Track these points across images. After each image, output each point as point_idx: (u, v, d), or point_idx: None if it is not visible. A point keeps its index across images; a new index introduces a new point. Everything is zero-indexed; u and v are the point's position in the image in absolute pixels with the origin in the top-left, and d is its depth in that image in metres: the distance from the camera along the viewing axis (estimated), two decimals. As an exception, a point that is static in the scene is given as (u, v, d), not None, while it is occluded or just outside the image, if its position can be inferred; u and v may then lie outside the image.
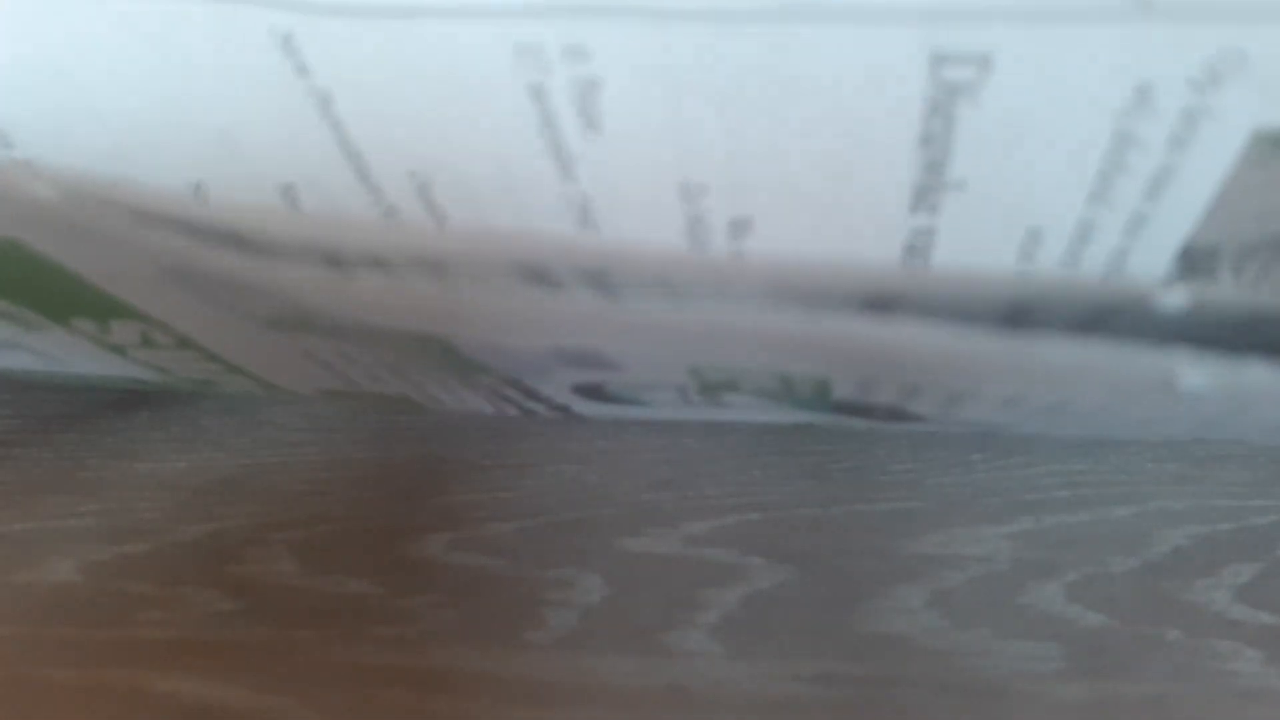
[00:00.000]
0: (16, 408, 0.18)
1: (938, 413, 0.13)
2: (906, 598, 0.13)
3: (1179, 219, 0.10)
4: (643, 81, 0.09)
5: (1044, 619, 0.12)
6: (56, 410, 0.18)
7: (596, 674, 0.11)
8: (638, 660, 0.12)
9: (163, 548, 0.14)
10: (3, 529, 0.14)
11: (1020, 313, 0.09)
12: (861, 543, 0.14)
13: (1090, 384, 0.10)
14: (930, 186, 0.09)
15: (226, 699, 0.11)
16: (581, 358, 0.12)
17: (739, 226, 0.10)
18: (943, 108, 0.09)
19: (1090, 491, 0.15)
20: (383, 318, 0.11)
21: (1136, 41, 0.08)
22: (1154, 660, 0.11)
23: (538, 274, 0.10)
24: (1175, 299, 0.08)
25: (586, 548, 0.14)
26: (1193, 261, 0.10)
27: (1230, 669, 0.11)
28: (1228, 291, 0.08)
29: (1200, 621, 0.12)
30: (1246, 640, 0.12)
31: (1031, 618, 0.12)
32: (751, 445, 0.17)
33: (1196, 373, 0.09)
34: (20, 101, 0.10)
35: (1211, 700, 0.11)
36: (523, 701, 0.11)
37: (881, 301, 0.09)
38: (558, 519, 0.14)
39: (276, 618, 0.12)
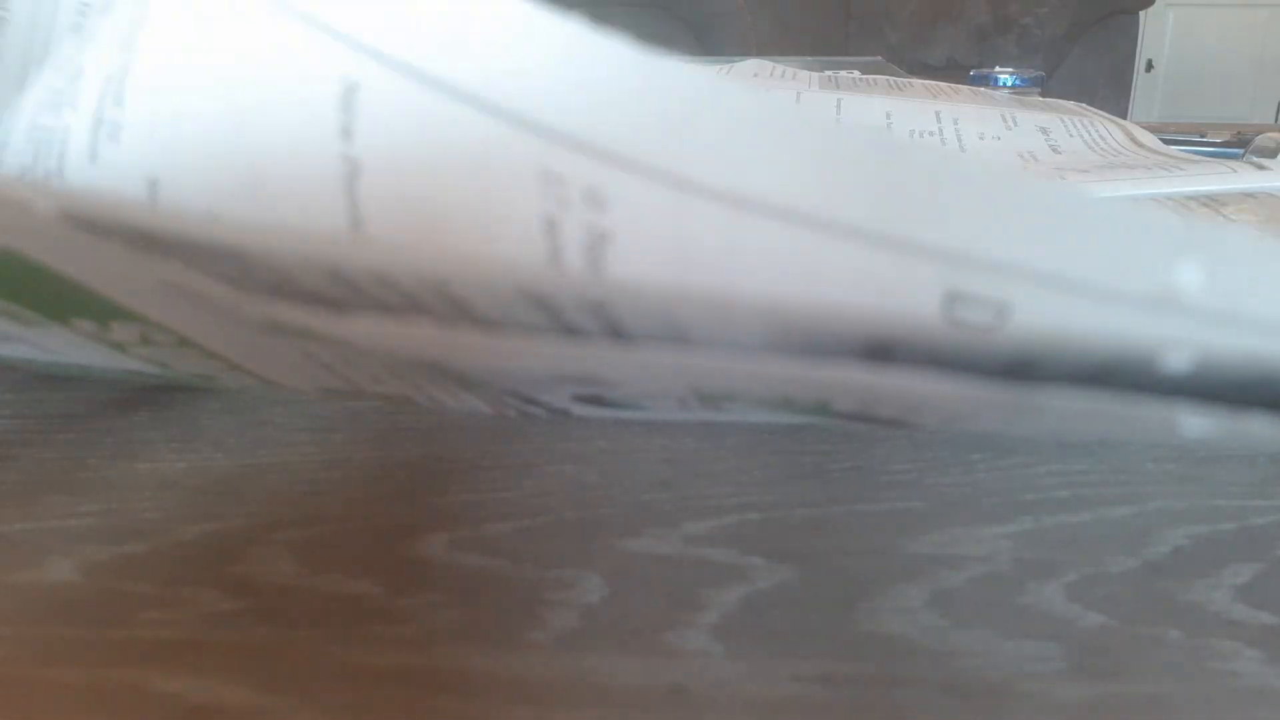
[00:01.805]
0: (16, 408, 0.18)
1: (939, 425, 0.13)
2: (906, 598, 0.13)
3: None
4: (653, 245, 0.09)
5: (1044, 619, 0.12)
6: (56, 410, 0.18)
7: (596, 674, 0.11)
8: (638, 660, 0.12)
9: (163, 548, 0.14)
10: (3, 529, 0.14)
11: (1023, 366, 0.09)
12: (861, 543, 0.14)
13: (1091, 422, 0.10)
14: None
15: (226, 699, 0.11)
16: (583, 380, 0.12)
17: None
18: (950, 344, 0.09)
19: (1090, 491, 0.15)
20: (382, 346, 0.11)
21: (1157, 329, 0.08)
22: (1154, 660, 0.11)
23: (542, 306, 0.10)
24: (1179, 361, 0.08)
25: (586, 548, 0.14)
26: None
27: (1230, 669, 0.11)
28: (1231, 359, 0.08)
29: (1200, 621, 0.12)
30: (1246, 640, 0.12)
31: (1031, 618, 0.12)
32: (751, 445, 0.17)
33: (1199, 422, 0.09)
34: (170, 152, 0.10)
35: (1211, 700, 0.11)
36: (523, 701, 0.11)
37: (881, 350, 0.09)
38: (558, 519, 0.14)
39: (276, 618, 0.12)
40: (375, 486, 0.15)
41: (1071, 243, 0.08)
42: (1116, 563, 0.13)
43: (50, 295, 0.12)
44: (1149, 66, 2.41)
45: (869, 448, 0.16)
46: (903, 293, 0.08)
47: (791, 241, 0.08)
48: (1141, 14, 1.80)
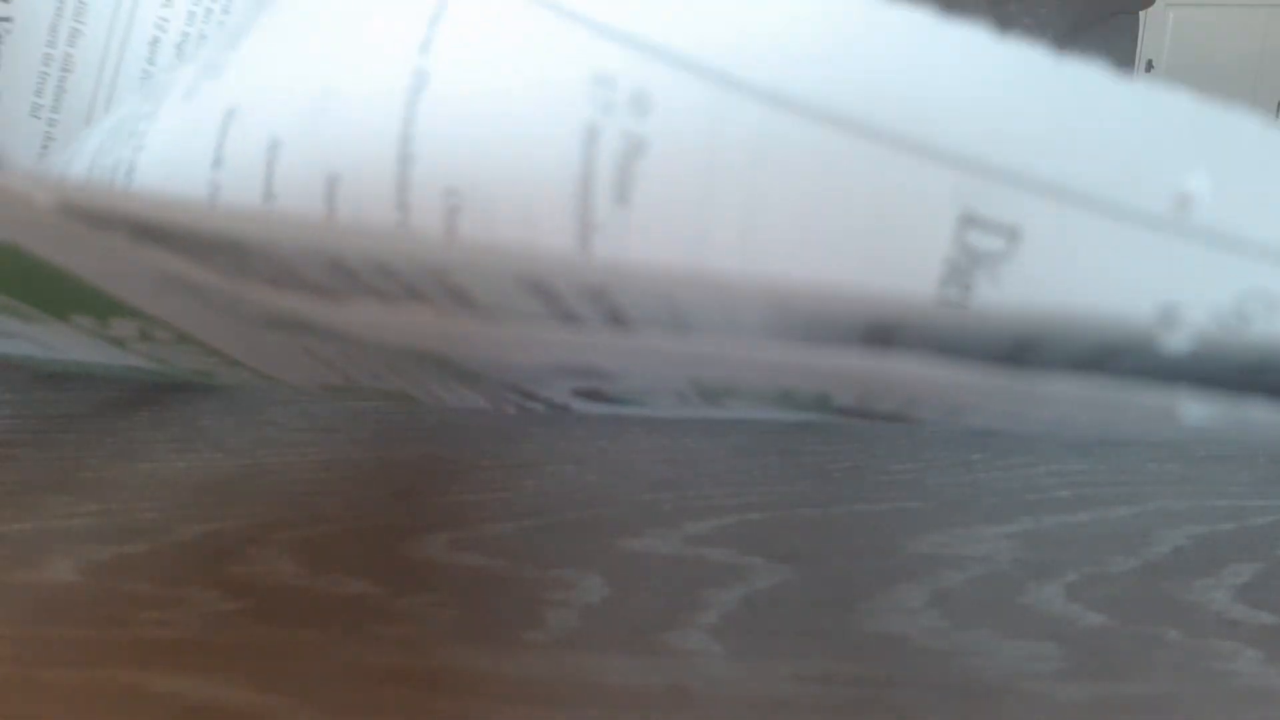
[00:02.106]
0: (16, 408, 0.18)
1: (939, 419, 0.13)
2: (906, 598, 0.13)
3: None
4: (685, 150, 0.09)
5: (1044, 619, 0.12)
6: (56, 410, 0.18)
7: (596, 674, 0.11)
8: (638, 660, 0.11)
9: (163, 548, 0.14)
10: (3, 529, 0.14)
11: (1022, 351, 0.09)
12: (861, 543, 0.14)
13: (1092, 411, 0.10)
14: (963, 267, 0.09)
15: (226, 699, 0.11)
16: (583, 371, 0.12)
17: None
18: (962, 276, 0.09)
19: (1090, 491, 0.15)
20: (381, 337, 0.11)
21: (1168, 258, 0.08)
22: (1154, 660, 0.11)
23: (542, 293, 0.10)
24: (1179, 341, 0.08)
25: (586, 548, 0.14)
26: None
27: (1230, 669, 0.11)
28: (1231, 340, 0.08)
29: (1200, 621, 0.12)
30: (1246, 640, 0.12)
31: (1031, 618, 0.12)
32: (751, 445, 0.17)
33: (1199, 408, 0.09)
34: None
35: (1211, 700, 0.11)
36: (523, 701, 0.11)
37: (882, 334, 0.09)
38: (558, 519, 0.14)
39: (276, 618, 0.12)
40: (375, 486, 0.15)
41: (1083, 151, 0.08)
42: (1116, 563, 0.13)
43: (50, 291, 0.12)
44: (1149, 66, 2.41)
45: (869, 448, 0.16)
46: (921, 214, 0.08)
47: (820, 143, 0.08)
48: (1141, 14, 1.80)
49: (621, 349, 0.10)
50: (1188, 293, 0.08)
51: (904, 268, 0.09)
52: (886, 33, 0.08)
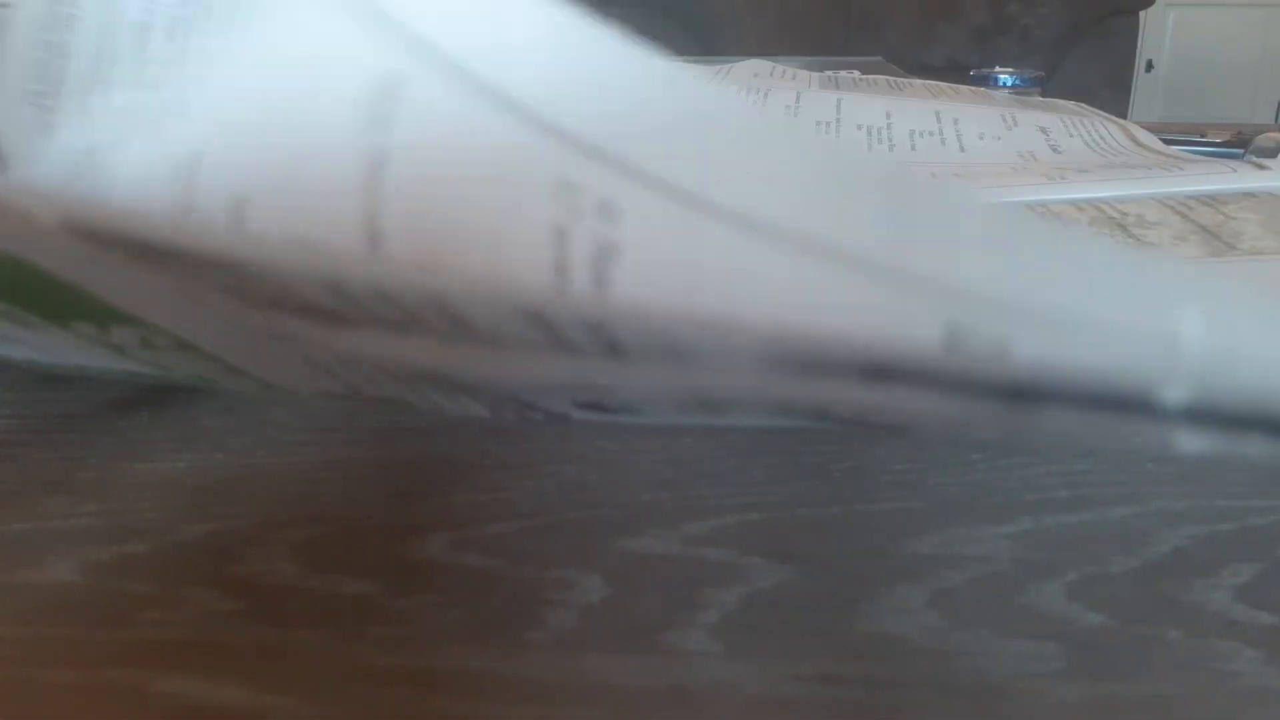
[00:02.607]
0: (16, 408, 0.18)
1: (939, 435, 0.13)
2: (906, 598, 0.13)
3: None
4: (660, 262, 0.09)
5: (1044, 619, 0.12)
6: (56, 410, 0.18)
7: (596, 674, 0.11)
8: (638, 660, 0.11)
9: (163, 548, 0.14)
10: (3, 529, 0.14)
11: (1023, 392, 0.09)
12: (861, 543, 0.14)
13: (1090, 437, 0.10)
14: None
15: (226, 699, 0.11)
16: (582, 390, 0.12)
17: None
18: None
19: (1090, 491, 0.15)
20: (383, 357, 0.11)
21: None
22: (1154, 660, 0.11)
23: (542, 325, 0.10)
24: (1177, 394, 0.08)
25: (586, 548, 0.14)
26: None
27: (1230, 669, 0.11)
28: (1230, 395, 0.08)
29: (1200, 621, 0.12)
30: (1246, 640, 0.12)
31: (1031, 618, 0.12)
32: (751, 445, 0.17)
33: (1197, 443, 0.09)
34: (252, 169, 0.10)
35: (1211, 700, 0.11)
36: (523, 701, 0.11)
37: (880, 372, 0.09)
38: (558, 519, 0.14)
39: (276, 618, 0.12)
40: (375, 486, 0.15)
41: (1074, 283, 0.08)
42: (1116, 563, 0.13)
43: (51, 299, 0.12)
44: (1149, 66, 2.41)
45: (869, 448, 0.16)
46: (904, 325, 0.08)
47: (797, 269, 0.08)
48: (1141, 14, 1.80)
49: (621, 375, 0.10)
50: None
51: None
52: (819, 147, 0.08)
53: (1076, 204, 0.27)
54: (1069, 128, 0.34)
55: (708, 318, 0.09)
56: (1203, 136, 0.36)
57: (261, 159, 0.10)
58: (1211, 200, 0.26)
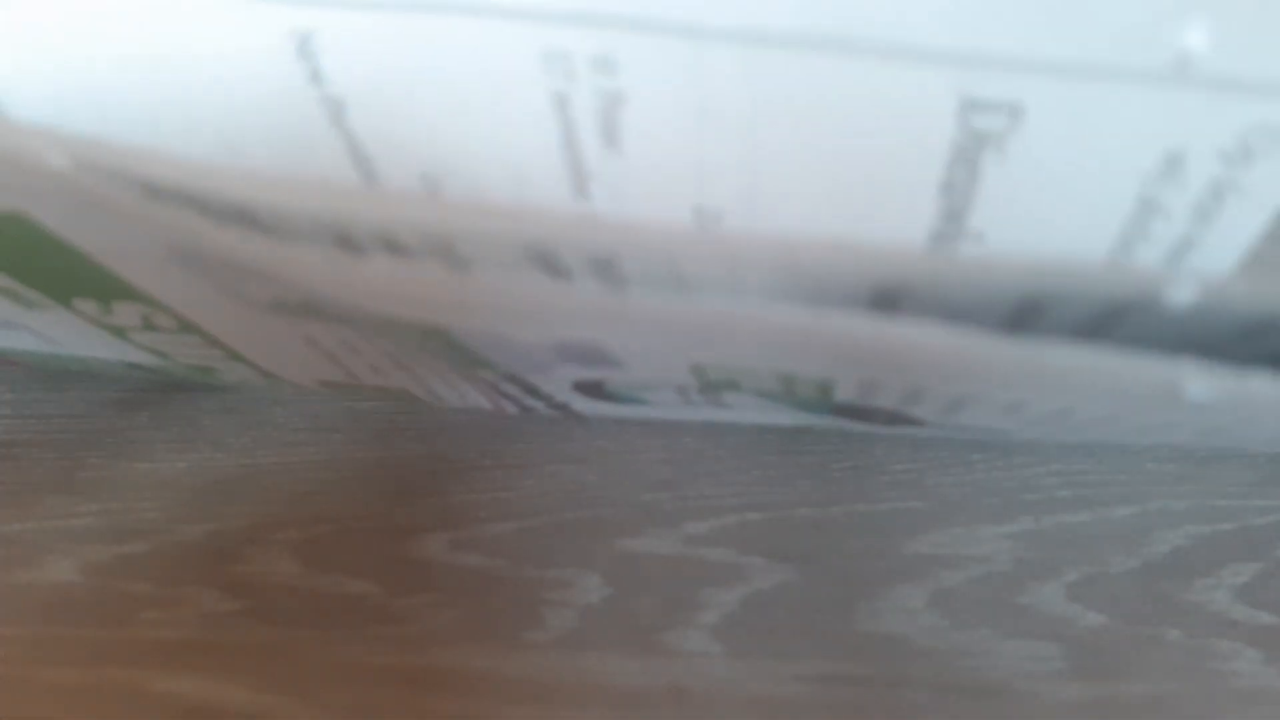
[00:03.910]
0: (16, 408, 0.18)
1: (938, 418, 0.13)
2: (906, 598, 0.13)
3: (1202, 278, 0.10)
4: (668, 100, 0.09)
5: (1044, 619, 0.12)
6: (56, 410, 0.18)
7: (596, 674, 0.11)
8: (638, 660, 0.12)
9: (163, 548, 0.14)
10: (3, 529, 0.14)
11: (1027, 312, 0.09)
12: (861, 543, 0.14)
13: (1094, 391, 0.10)
14: (947, 234, 0.09)
15: (226, 699, 0.11)
16: (584, 354, 0.12)
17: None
18: (968, 156, 0.09)
19: (1090, 491, 0.15)
20: (389, 305, 0.11)
21: (1170, 107, 0.08)
22: (1154, 660, 0.11)
23: (546, 261, 0.10)
24: (1183, 294, 0.08)
25: (586, 548, 0.14)
26: None
27: (1230, 669, 0.11)
28: (1236, 291, 0.08)
29: (1200, 621, 0.12)
30: (1246, 640, 0.12)
31: (1031, 618, 0.12)
32: (751, 445, 0.17)
33: (1202, 383, 0.09)
34: (19, 80, 0.10)
35: (1211, 700, 0.11)
36: (523, 701, 0.11)
37: (888, 297, 0.09)
38: (558, 519, 0.14)
39: (276, 618, 0.12)
40: (375, 486, 0.15)
41: (1080, 27, 0.08)
42: (1116, 563, 0.13)
43: (54, 270, 0.12)
44: (1149, 66, 2.41)
45: (869, 448, 0.16)
46: (919, 106, 0.08)
47: (810, 70, 0.08)
48: (1141, 14, 1.80)
49: (623, 319, 0.10)
50: (1191, 137, 0.08)
51: (910, 159, 0.09)
52: None
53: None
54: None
55: (712, 238, 0.08)
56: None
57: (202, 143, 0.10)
58: None
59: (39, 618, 0.12)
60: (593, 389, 0.14)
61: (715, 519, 0.14)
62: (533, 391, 0.14)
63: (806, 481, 0.15)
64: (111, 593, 0.13)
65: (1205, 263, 0.09)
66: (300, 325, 0.12)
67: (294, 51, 0.09)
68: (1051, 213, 0.09)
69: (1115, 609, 0.12)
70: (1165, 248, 0.09)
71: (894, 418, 0.13)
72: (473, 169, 0.09)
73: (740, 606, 0.12)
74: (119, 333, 0.14)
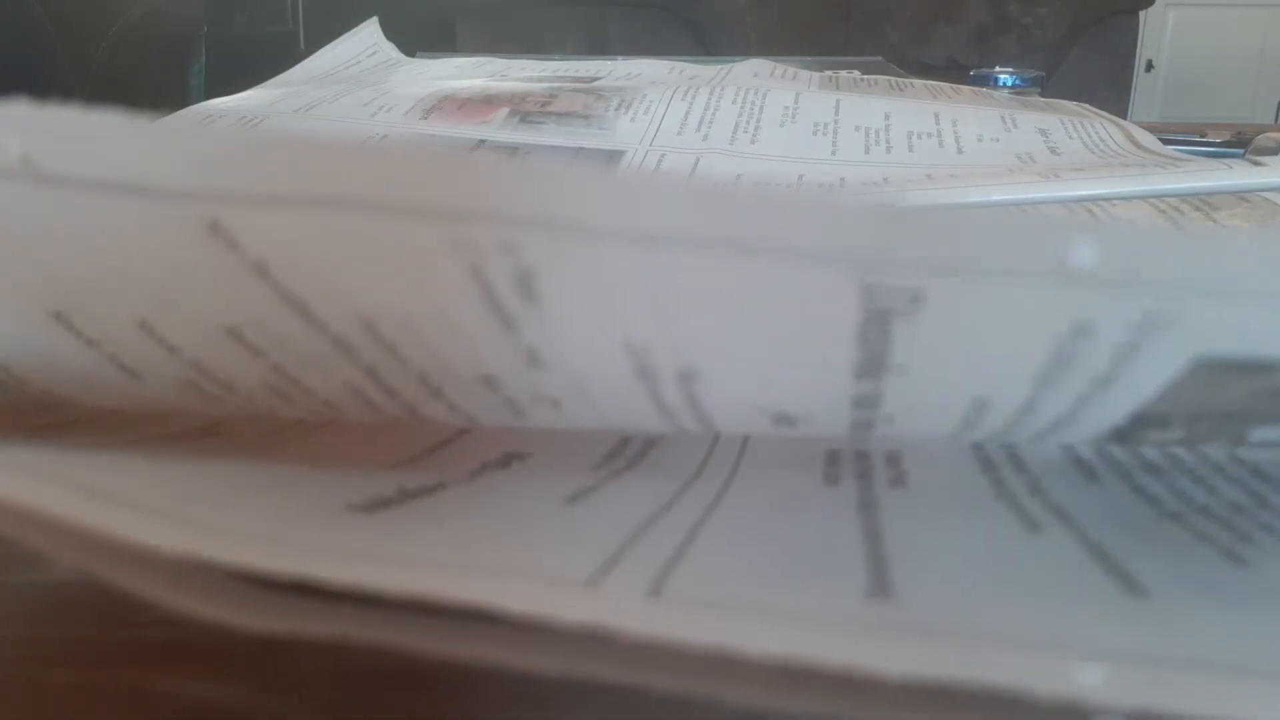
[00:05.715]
0: (17, 408, 0.18)
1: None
2: (905, 598, 0.13)
3: (1124, 401, 0.10)
4: (577, 280, 0.09)
5: (1042, 619, 0.12)
6: (56, 410, 0.18)
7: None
8: (637, 660, 0.12)
9: (163, 548, 0.14)
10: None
11: None
12: (860, 543, 0.14)
13: None
14: (871, 369, 0.10)
15: (226, 699, 0.11)
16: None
17: (686, 376, 0.10)
18: (877, 324, 0.09)
19: (1089, 492, 0.15)
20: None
21: (1068, 296, 0.08)
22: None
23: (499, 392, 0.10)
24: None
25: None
26: (1144, 421, 0.11)
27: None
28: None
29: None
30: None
31: (1030, 618, 0.12)
32: (750, 446, 0.16)
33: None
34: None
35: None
36: (523, 701, 0.11)
37: (787, 421, 0.11)
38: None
39: (276, 618, 0.12)
40: (375, 487, 0.15)
41: (974, 241, 0.08)
42: (1115, 563, 0.13)
43: None
44: (1149, 66, 2.41)
45: (868, 448, 0.16)
46: (824, 289, 0.09)
47: (711, 260, 0.09)
48: (1141, 14, 1.80)
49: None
50: (1095, 314, 0.09)
51: (825, 333, 0.09)
52: None
53: (1066, 204, 0.27)
54: (1068, 129, 0.34)
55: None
56: (1202, 136, 0.36)
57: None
58: (1204, 204, 0.27)
59: (39, 618, 0.12)
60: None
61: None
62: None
63: (805, 482, 0.15)
64: (111, 593, 0.13)
65: (1128, 389, 0.10)
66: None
67: (206, 232, 0.09)
68: (972, 357, 0.10)
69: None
70: (1089, 380, 0.10)
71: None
72: (405, 311, 0.10)
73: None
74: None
